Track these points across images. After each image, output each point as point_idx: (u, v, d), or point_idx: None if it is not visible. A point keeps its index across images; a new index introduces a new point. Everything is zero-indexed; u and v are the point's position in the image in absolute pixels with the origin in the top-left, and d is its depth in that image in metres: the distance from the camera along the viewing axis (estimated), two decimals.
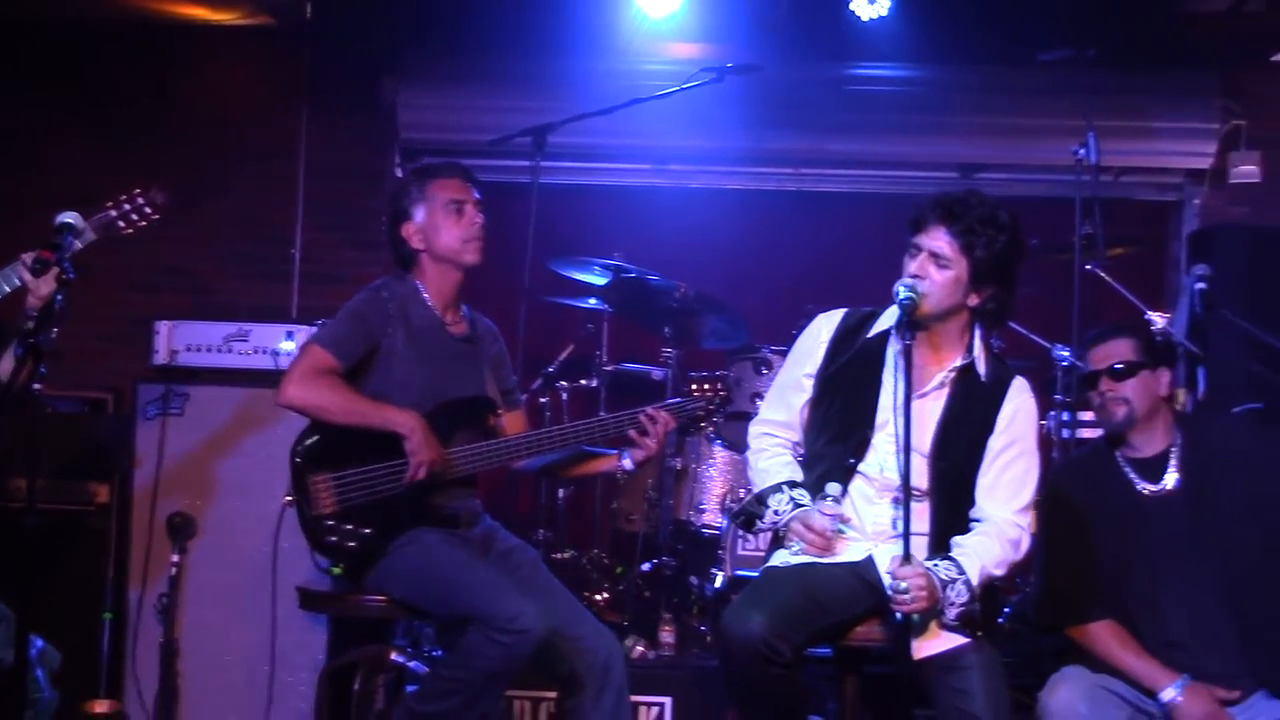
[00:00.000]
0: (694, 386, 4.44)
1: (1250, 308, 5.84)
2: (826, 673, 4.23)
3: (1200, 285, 5.79)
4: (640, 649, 5.58)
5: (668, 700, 5.35)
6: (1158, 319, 5.79)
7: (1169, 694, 4.13)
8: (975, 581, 3.87)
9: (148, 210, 4.37)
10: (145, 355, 5.76)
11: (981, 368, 4.09)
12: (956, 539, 3.96)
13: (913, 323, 3.93)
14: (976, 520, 4.03)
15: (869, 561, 3.99)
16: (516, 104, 7.02)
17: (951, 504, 4.02)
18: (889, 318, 4.08)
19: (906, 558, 3.78)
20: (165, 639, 5.48)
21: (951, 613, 3.84)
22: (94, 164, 7.09)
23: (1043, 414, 6.21)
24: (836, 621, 3.94)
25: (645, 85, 6.42)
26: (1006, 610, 5.63)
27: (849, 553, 4.02)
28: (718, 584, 5.66)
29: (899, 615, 3.82)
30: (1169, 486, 4.34)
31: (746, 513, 4.15)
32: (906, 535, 3.80)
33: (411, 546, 4.26)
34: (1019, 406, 4.09)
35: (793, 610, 3.80)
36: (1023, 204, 7.45)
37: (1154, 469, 4.36)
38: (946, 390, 4.06)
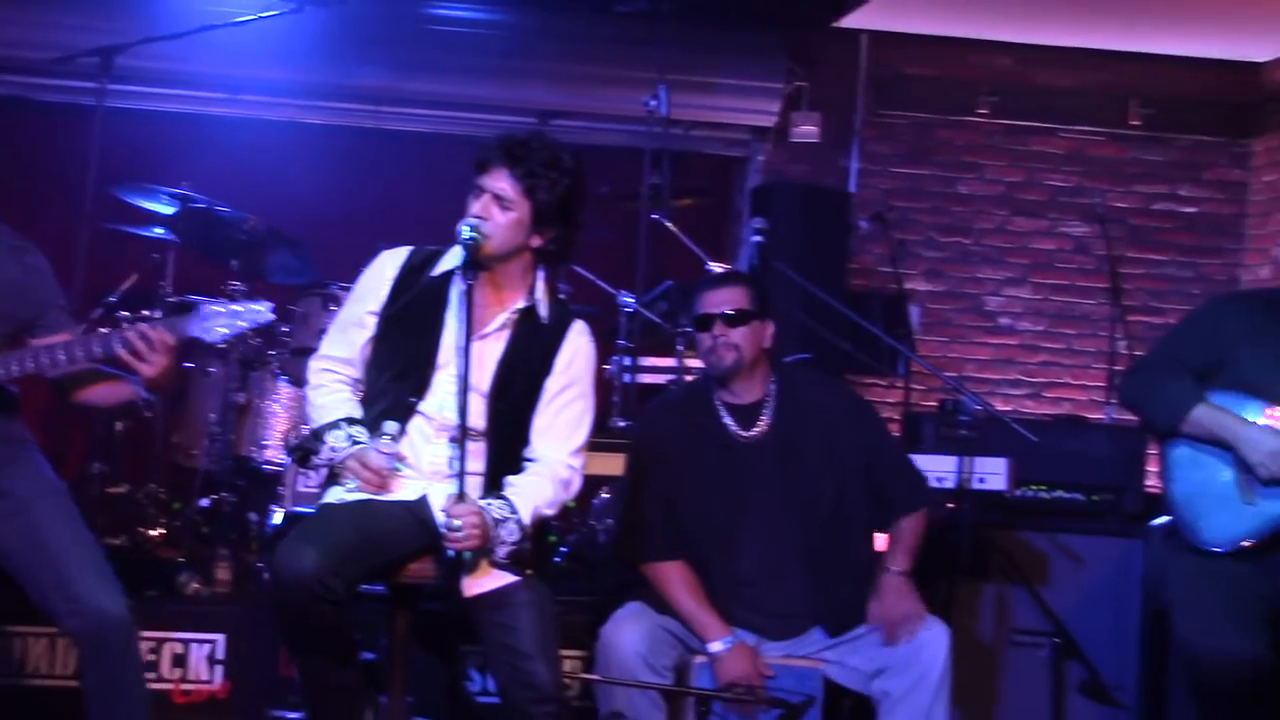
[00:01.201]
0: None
1: (803, 262, 6.13)
2: (378, 609, 4.24)
3: (757, 239, 6.05)
4: (195, 586, 5.47)
5: (220, 638, 5.25)
6: (719, 269, 6.01)
7: (715, 646, 4.35)
8: (526, 520, 3.93)
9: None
10: None
11: (543, 310, 4.13)
12: (510, 479, 4.03)
13: (475, 263, 3.96)
14: (530, 460, 4.10)
15: (423, 500, 4.01)
16: (86, 22, 6.76)
17: (507, 444, 4.07)
18: (453, 257, 4.07)
19: (461, 496, 3.83)
20: None
21: (502, 551, 3.90)
22: None
23: (606, 359, 6.39)
24: (390, 559, 3.96)
25: (223, 11, 6.27)
26: (564, 550, 5.79)
27: (404, 491, 4.03)
28: (276, 521, 5.61)
29: (451, 553, 3.87)
30: (761, 433, 4.54)
31: (303, 448, 4.10)
32: (462, 474, 3.85)
33: None
34: (577, 349, 4.15)
35: (346, 546, 3.80)
36: (596, 152, 7.62)
37: (749, 415, 4.56)
38: (508, 332, 4.10)
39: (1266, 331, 4.38)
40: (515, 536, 3.91)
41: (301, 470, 5.37)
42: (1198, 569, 4.38)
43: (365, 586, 3.99)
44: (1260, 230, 8.19)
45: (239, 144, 7.48)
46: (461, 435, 3.88)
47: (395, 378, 4.09)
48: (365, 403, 4.15)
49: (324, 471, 4.15)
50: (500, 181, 3.99)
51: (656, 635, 4.37)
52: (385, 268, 4.18)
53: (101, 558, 4.13)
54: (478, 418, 4.01)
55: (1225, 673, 4.21)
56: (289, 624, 3.83)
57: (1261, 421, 4.31)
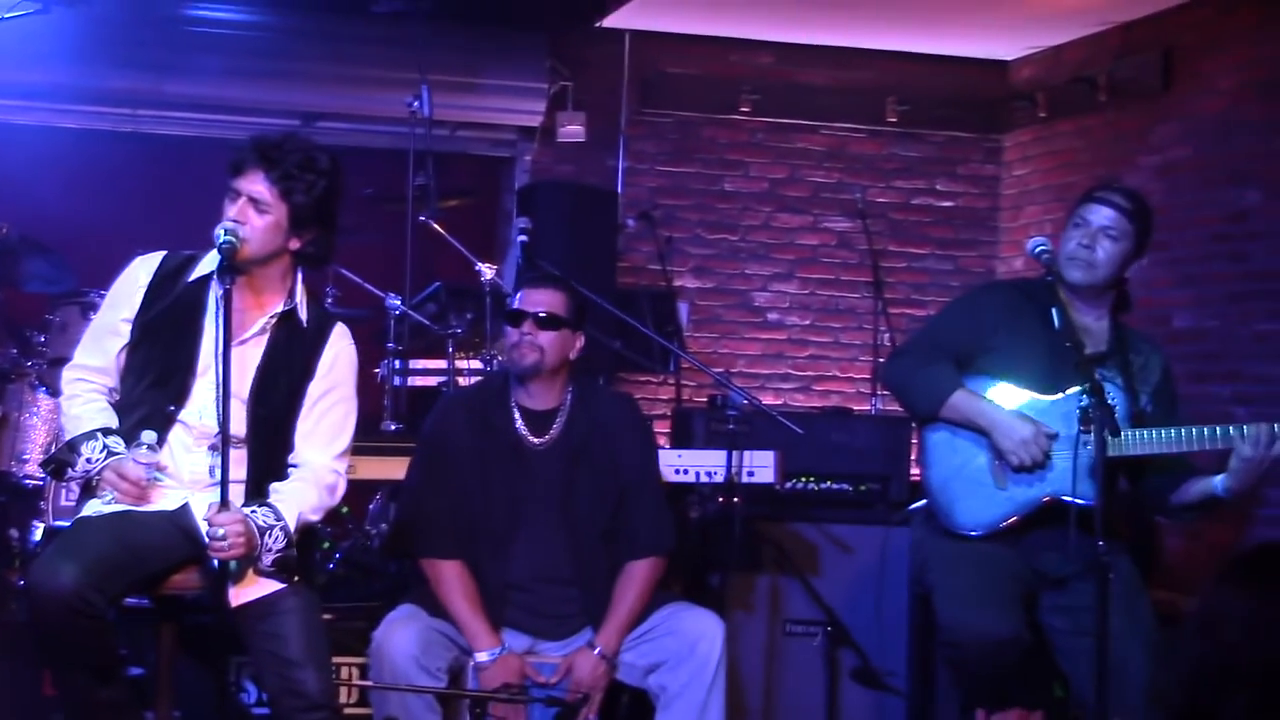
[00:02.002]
0: None
1: (570, 261, 6.14)
2: (144, 623, 4.15)
3: (523, 238, 6.04)
4: None
5: None
6: (487, 270, 6.01)
7: (482, 656, 4.36)
8: (292, 527, 3.88)
9: None
10: None
11: (303, 313, 4.09)
12: (275, 485, 3.97)
13: (233, 267, 3.89)
14: (294, 466, 4.05)
15: (185, 509, 3.93)
16: None
17: (269, 451, 4.02)
18: (210, 262, 4.00)
19: (224, 504, 3.76)
20: None
21: (268, 559, 3.84)
22: None
23: (375, 362, 6.34)
24: (152, 571, 3.87)
25: None
26: (338, 555, 5.74)
27: (165, 501, 3.95)
28: (38, 537, 5.45)
29: (215, 562, 3.80)
30: (551, 440, 4.53)
31: (57, 460, 3.99)
32: (225, 482, 3.77)
33: None
34: (339, 352, 4.11)
35: (106, 560, 3.71)
36: (361, 154, 7.66)
37: (542, 422, 4.55)
38: (267, 336, 4.04)
39: (1023, 320, 4.52)
40: (281, 544, 3.85)
41: (65, 485, 5.24)
42: (954, 553, 4.51)
43: (130, 600, 3.92)
44: (1013, 223, 8.44)
45: None
46: (223, 443, 3.82)
47: (152, 385, 4.00)
48: (121, 411, 4.04)
49: (79, 484, 4.05)
50: (256, 184, 3.93)
51: (429, 637, 4.35)
52: (139, 274, 4.09)
53: None
54: (239, 424, 3.95)
55: (984, 652, 4.34)
56: (48, 642, 3.73)
57: (1014, 407, 4.45)
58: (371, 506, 6.09)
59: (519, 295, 4.60)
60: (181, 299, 4.04)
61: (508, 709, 4.30)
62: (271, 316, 4.04)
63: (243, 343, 4.00)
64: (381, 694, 4.34)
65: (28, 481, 5.75)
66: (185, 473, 3.99)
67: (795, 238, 8.33)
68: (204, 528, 3.80)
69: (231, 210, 3.93)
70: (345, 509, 6.05)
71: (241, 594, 3.87)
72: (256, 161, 3.93)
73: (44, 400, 5.80)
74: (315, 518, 4.02)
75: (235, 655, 5.00)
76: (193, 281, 4.04)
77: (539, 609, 4.49)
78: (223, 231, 3.86)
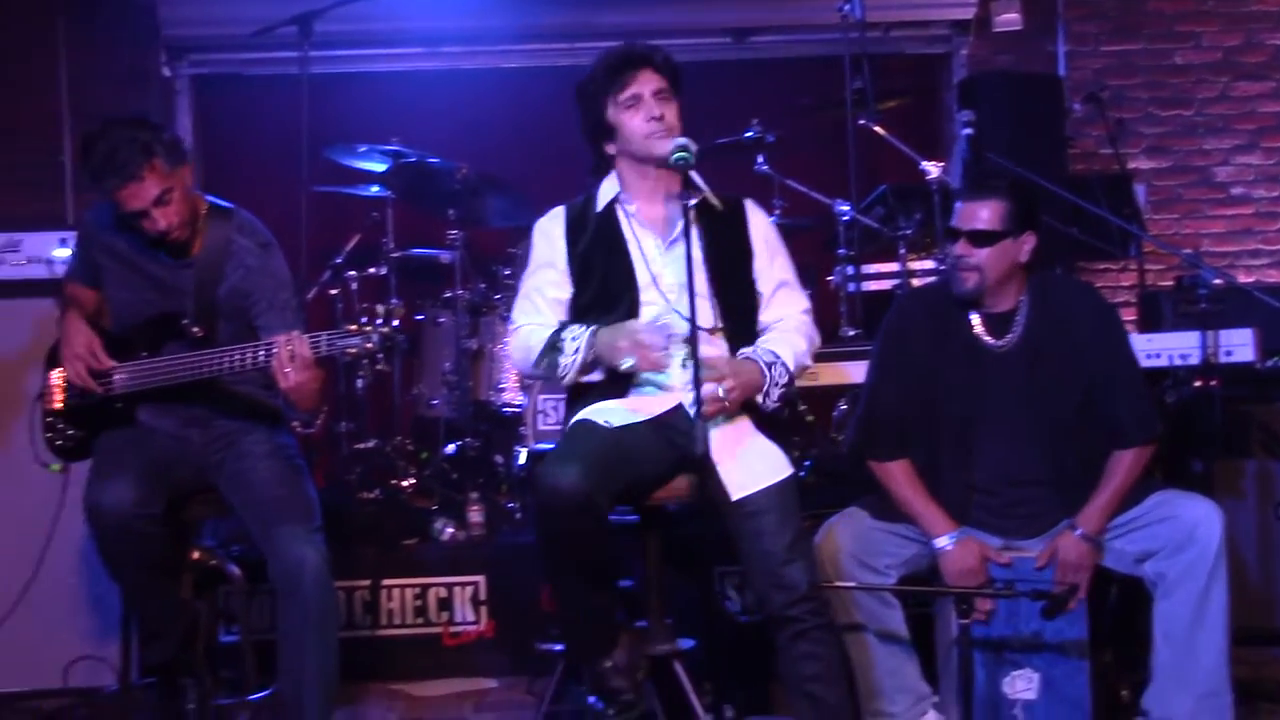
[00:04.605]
0: (352, 326, 4.10)
1: (1017, 151, 5.98)
2: (631, 536, 4.28)
3: (967, 132, 5.94)
4: (450, 531, 5.60)
5: (481, 578, 5.39)
6: (932, 168, 5.91)
7: (942, 541, 4.26)
8: (791, 365, 4.05)
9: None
10: None
11: (714, 200, 4.18)
12: (763, 338, 4.13)
13: (689, 183, 3.99)
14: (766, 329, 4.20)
15: (676, 411, 4.03)
16: None
17: (742, 331, 4.13)
18: (608, 190, 4.17)
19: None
20: None
21: (775, 394, 4.01)
22: None
23: (828, 269, 6.35)
24: (643, 476, 3.99)
25: None
26: (807, 464, 5.77)
27: (653, 407, 4.05)
28: (521, 461, 5.70)
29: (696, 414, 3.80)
30: (1010, 341, 4.36)
31: (547, 362, 4.10)
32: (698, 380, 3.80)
33: (96, 448, 4.43)
34: (760, 221, 4.26)
35: (603, 461, 3.81)
36: (796, 64, 7.65)
37: (1000, 324, 4.37)
38: (695, 228, 4.10)
39: None
40: (785, 378, 4.05)
41: (541, 409, 5.47)
42: None
43: (617, 517, 4.04)
44: None
45: (442, 96, 7.56)
46: (693, 333, 3.85)
47: (601, 315, 4.11)
48: None
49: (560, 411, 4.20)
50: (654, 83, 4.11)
51: (869, 536, 4.31)
52: (550, 230, 4.23)
53: (306, 508, 4.30)
54: (706, 318, 4.05)
55: None
56: (551, 542, 3.84)
57: None
58: (835, 413, 6.09)
59: (956, 209, 4.40)
60: (599, 231, 4.16)
61: (981, 601, 4.23)
62: (690, 209, 4.03)
63: (673, 243, 4.09)
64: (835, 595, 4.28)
65: (506, 410, 6.01)
66: (675, 381, 4.08)
67: (1256, 106, 7.86)
68: (711, 389, 3.90)
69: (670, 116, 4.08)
70: (811, 418, 6.09)
71: (735, 486, 3.94)
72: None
73: None
74: (808, 362, 4.19)
75: (718, 565, 5.12)
76: (601, 211, 4.18)
77: (1007, 511, 4.34)
78: (681, 150, 3.92)
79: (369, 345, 4.02)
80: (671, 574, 4.43)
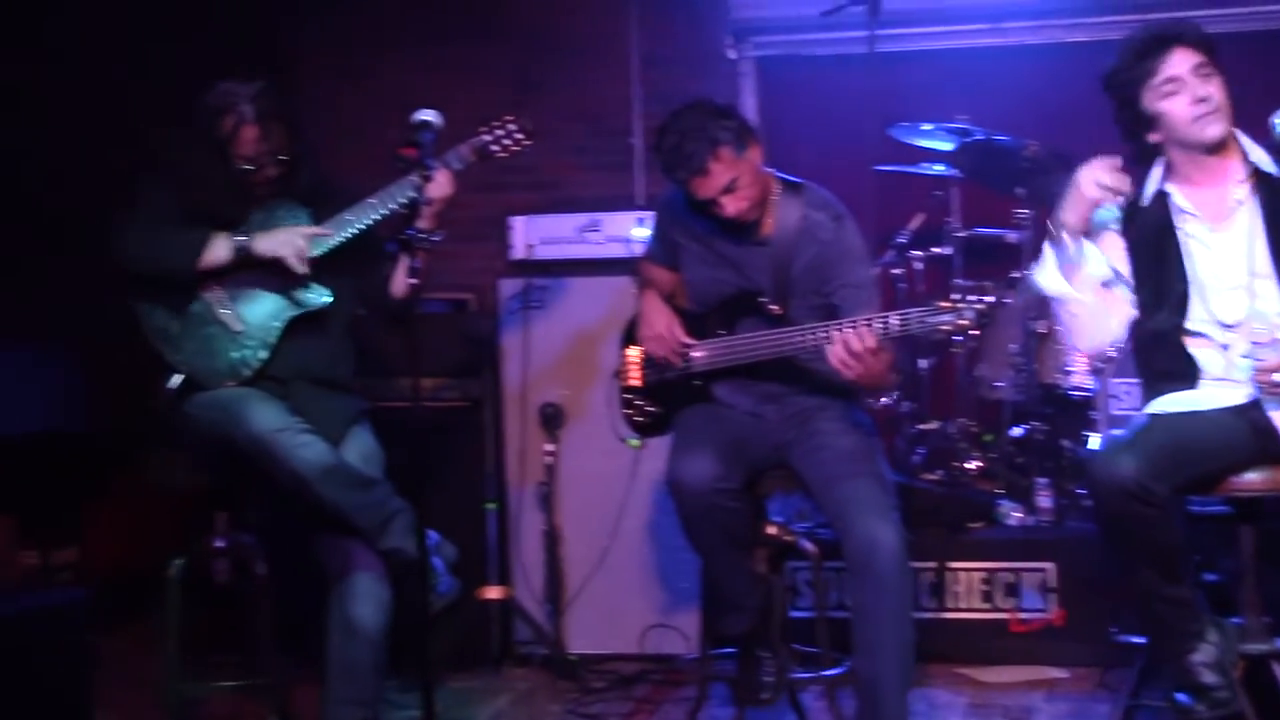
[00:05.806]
0: (944, 303, 4.00)
1: None
2: (1220, 526, 4.08)
3: None
4: (1018, 516, 5.50)
5: (1050, 565, 5.28)
6: None
7: None
8: None
9: (520, 136, 4.50)
10: (500, 253, 5.91)
11: (1270, 167, 3.90)
12: None
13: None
14: None
15: (1253, 404, 3.84)
16: None
17: None
18: (1155, 179, 4.00)
19: None
20: (548, 526, 5.64)
21: None
22: (422, 71, 7.17)
23: None
24: (1213, 468, 3.82)
25: None
26: None
27: (1228, 397, 3.88)
28: (1092, 445, 5.52)
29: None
30: None
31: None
32: None
33: (677, 424, 4.51)
34: None
35: (1163, 452, 3.69)
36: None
37: None
38: (1255, 199, 3.88)
39: None
40: None
41: (1114, 394, 5.29)
42: None
43: (1200, 507, 3.99)
44: None
45: (1006, 73, 7.40)
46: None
47: (1154, 309, 3.99)
48: (1141, 349, 4.09)
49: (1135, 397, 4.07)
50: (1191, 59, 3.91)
51: None
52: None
53: (882, 486, 4.27)
54: (1267, 301, 3.85)
55: None
56: (1109, 528, 3.77)
57: None
58: None
59: None
60: (1150, 223, 4.00)
61: None
62: (1243, 182, 3.88)
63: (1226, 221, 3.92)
64: None
65: (1074, 393, 5.83)
66: (1235, 374, 3.90)
67: None
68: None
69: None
70: None
71: None
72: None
73: None
74: None
75: None
76: (1147, 207, 4.00)
77: None
78: None
79: (962, 321, 3.96)
80: (1269, 570, 4.19)
